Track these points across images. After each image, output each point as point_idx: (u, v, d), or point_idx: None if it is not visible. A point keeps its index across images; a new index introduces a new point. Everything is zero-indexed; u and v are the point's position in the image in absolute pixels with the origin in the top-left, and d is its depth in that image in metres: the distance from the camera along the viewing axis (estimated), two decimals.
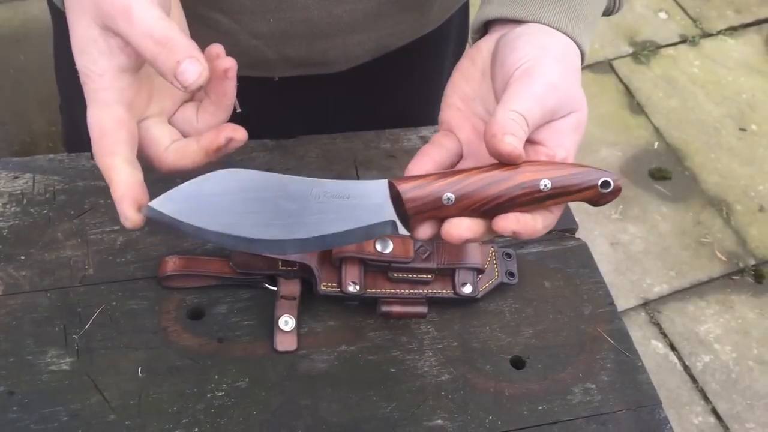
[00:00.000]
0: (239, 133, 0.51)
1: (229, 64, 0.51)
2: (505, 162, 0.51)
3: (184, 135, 0.54)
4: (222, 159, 0.52)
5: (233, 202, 0.50)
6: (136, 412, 0.62)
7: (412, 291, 0.69)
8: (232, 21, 0.71)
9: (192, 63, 0.47)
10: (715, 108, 2.39)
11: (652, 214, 2.13)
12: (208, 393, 0.64)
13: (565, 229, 0.79)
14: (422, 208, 0.51)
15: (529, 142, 0.54)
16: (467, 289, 0.70)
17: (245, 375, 0.65)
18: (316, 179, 0.52)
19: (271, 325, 0.67)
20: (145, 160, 0.52)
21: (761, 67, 2.52)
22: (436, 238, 0.52)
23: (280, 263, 0.68)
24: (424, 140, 0.82)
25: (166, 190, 0.50)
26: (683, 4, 2.68)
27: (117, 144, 0.50)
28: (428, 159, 0.55)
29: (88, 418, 0.61)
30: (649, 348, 1.88)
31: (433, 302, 0.70)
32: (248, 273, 0.68)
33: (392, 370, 0.67)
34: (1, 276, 0.67)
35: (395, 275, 0.68)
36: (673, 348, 1.89)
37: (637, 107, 2.37)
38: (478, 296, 0.71)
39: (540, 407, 0.67)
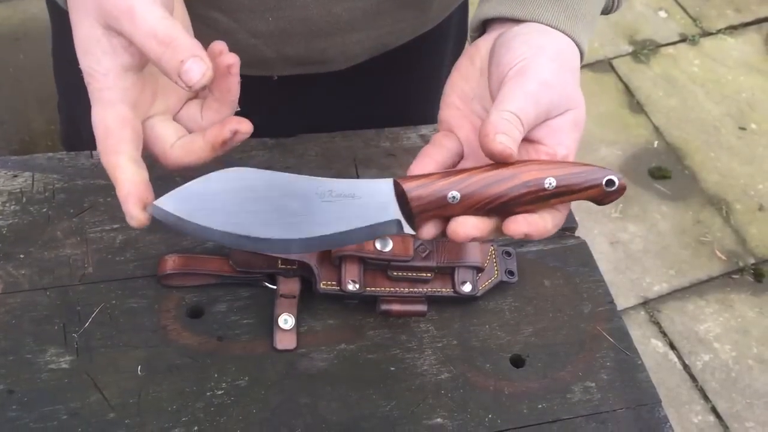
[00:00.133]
0: (244, 126, 0.51)
1: (232, 60, 0.51)
2: (498, 161, 0.51)
3: (189, 132, 0.54)
4: (225, 155, 0.52)
5: (238, 201, 0.50)
6: (136, 411, 0.62)
7: (411, 289, 0.69)
8: (231, 20, 0.71)
9: (196, 62, 0.47)
10: (715, 107, 2.39)
11: (652, 213, 2.13)
12: (208, 391, 0.64)
13: (565, 227, 0.79)
14: (427, 206, 0.51)
15: (528, 141, 0.54)
16: (467, 288, 0.70)
17: (245, 373, 0.65)
18: (320, 178, 0.52)
19: (270, 324, 0.67)
20: (151, 158, 0.52)
21: (761, 66, 2.52)
22: (442, 238, 0.52)
23: (279, 262, 0.68)
24: (424, 139, 0.82)
25: (164, 189, 0.50)
26: (683, 3, 2.68)
27: (121, 143, 0.50)
28: (430, 160, 0.55)
29: (88, 417, 0.61)
30: (649, 347, 1.88)
31: (432, 301, 0.70)
32: (248, 271, 0.68)
33: (392, 368, 0.67)
34: (1, 274, 0.67)
35: (395, 274, 0.68)
36: (672, 347, 1.89)
37: (636, 106, 2.37)
38: (478, 295, 0.70)
39: (540, 406, 0.67)
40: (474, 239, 0.51)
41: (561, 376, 0.69)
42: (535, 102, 0.52)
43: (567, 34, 0.57)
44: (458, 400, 0.66)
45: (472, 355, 0.69)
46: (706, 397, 1.81)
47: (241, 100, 0.53)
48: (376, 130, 0.82)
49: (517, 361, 0.70)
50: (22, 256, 0.68)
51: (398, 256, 0.67)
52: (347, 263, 0.67)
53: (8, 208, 0.71)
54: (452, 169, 0.56)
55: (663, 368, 1.85)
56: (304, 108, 0.85)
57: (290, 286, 0.68)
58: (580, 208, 2.08)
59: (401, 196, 0.51)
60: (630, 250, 2.05)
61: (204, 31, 0.56)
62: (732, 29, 2.62)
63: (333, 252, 0.67)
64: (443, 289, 0.70)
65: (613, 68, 2.45)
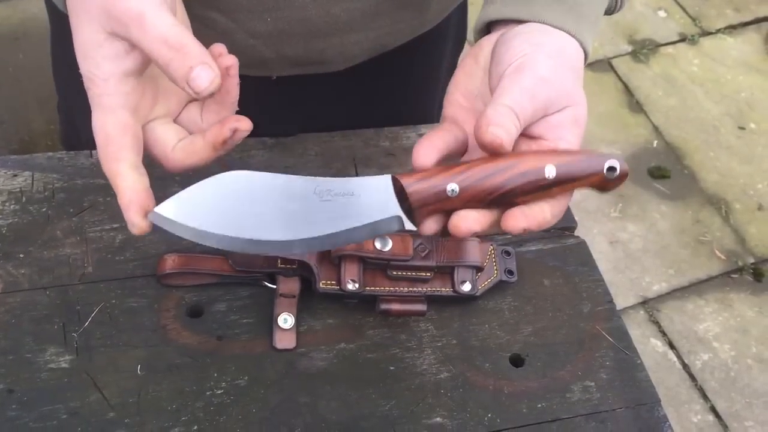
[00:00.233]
0: (243, 123, 0.51)
1: (231, 62, 0.51)
2: (491, 152, 0.51)
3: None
4: (225, 154, 0.52)
5: (237, 205, 0.50)
6: (136, 410, 0.62)
7: (411, 289, 0.69)
8: (230, 20, 0.71)
9: (204, 69, 0.47)
10: (714, 106, 2.39)
11: (651, 212, 2.13)
12: (208, 391, 0.64)
13: (564, 227, 0.79)
14: (426, 200, 0.51)
15: (530, 137, 0.54)
16: (466, 287, 0.70)
17: (244, 373, 0.65)
18: (319, 178, 0.52)
19: (270, 323, 0.67)
20: (153, 161, 0.52)
21: (760, 66, 2.52)
22: (443, 234, 0.51)
23: (279, 261, 0.68)
24: None
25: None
26: (682, 3, 2.68)
27: (122, 150, 0.50)
28: (436, 139, 0.54)
29: (88, 416, 0.61)
30: (648, 346, 1.88)
31: (432, 300, 0.70)
32: (247, 271, 0.68)
33: (391, 368, 0.67)
34: (1, 274, 0.67)
35: (394, 273, 0.68)
36: (672, 346, 1.89)
37: (636, 106, 2.37)
38: (477, 294, 0.71)
39: (539, 405, 0.67)
40: (476, 233, 0.51)
41: (560, 376, 0.69)
42: (531, 97, 0.52)
43: (571, 35, 0.57)
44: (458, 399, 0.66)
45: (471, 354, 0.69)
46: (705, 397, 1.81)
47: (240, 101, 0.53)
48: (375, 129, 0.82)
49: (517, 361, 0.70)
50: (21, 255, 0.68)
51: (398, 256, 0.67)
52: (347, 263, 0.67)
53: (8, 208, 0.71)
54: (454, 161, 0.55)
55: (662, 368, 1.85)
56: (302, 108, 0.85)
57: (290, 285, 0.68)
58: (579, 208, 2.08)
59: (400, 192, 0.51)
60: (629, 250, 2.05)
61: (202, 31, 0.56)
62: (731, 29, 2.62)
63: (332, 251, 0.67)
64: (443, 289, 0.70)
65: (612, 68, 2.45)
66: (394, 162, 0.80)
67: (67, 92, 0.94)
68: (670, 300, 1.97)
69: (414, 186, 0.51)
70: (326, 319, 0.69)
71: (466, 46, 0.99)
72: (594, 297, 0.75)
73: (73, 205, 0.72)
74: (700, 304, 1.97)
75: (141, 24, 0.47)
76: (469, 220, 0.51)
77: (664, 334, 1.91)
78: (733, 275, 2.03)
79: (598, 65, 2.43)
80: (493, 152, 0.51)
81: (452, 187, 0.50)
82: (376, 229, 0.52)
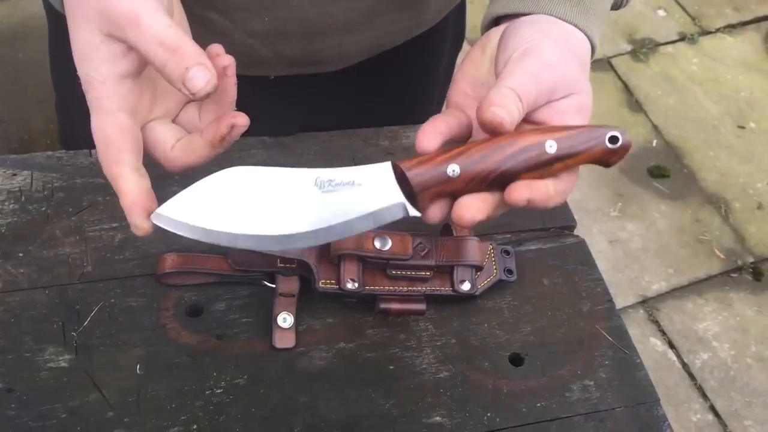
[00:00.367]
0: (240, 119, 0.51)
1: (228, 62, 0.51)
2: (490, 132, 0.51)
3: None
4: (224, 153, 0.52)
5: (238, 202, 0.50)
6: (135, 409, 0.62)
7: (410, 288, 0.69)
8: (227, 20, 0.71)
9: (200, 70, 0.47)
10: (714, 106, 2.39)
11: (651, 211, 2.13)
12: (207, 390, 0.64)
13: (564, 226, 0.79)
14: (427, 183, 0.50)
15: (533, 123, 0.54)
16: (466, 287, 0.70)
17: (244, 372, 0.65)
18: (317, 169, 0.51)
19: (269, 323, 0.67)
20: (153, 161, 0.52)
21: (760, 65, 2.52)
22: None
23: (278, 260, 0.68)
24: None
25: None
26: (682, 2, 2.68)
27: (122, 152, 0.50)
28: (440, 123, 0.54)
29: (87, 416, 0.61)
30: (648, 345, 1.88)
31: (431, 299, 0.70)
32: (247, 270, 0.68)
33: (391, 367, 0.67)
34: (0, 273, 0.67)
35: (394, 272, 0.68)
36: (671, 345, 1.89)
37: (635, 105, 2.37)
38: (477, 293, 0.71)
39: (538, 404, 0.67)
40: (480, 222, 0.51)
41: (560, 375, 0.69)
42: (535, 80, 0.52)
43: (579, 28, 0.57)
44: (457, 398, 0.66)
45: (470, 353, 0.69)
46: (704, 396, 1.81)
47: (238, 101, 0.53)
48: (375, 128, 0.82)
49: (516, 360, 0.70)
50: (21, 254, 0.68)
51: (397, 255, 0.67)
52: (346, 262, 0.67)
53: (7, 207, 0.71)
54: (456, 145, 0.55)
55: (662, 367, 1.85)
56: (301, 108, 0.85)
57: (289, 284, 0.68)
58: (579, 207, 2.08)
59: (401, 179, 0.51)
60: (629, 249, 2.05)
61: (200, 31, 0.56)
62: (731, 28, 2.62)
63: (332, 250, 0.67)
64: (442, 288, 0.70)
65: (612, 67, 2.45)
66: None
67: (65, 92, 0.94)
68: (670, 299, 1.97)
69: (414, 169, 0.50)
70: (326, 318, 0.69)
71: (465, 45, 0.99)
72: (593, 296, 0.75)
73: (72, 204, 0.72)
74: (699, 304, 1.97)
75: (136, 25, 0.47)
76: (472, 210, 0.50)
77: (663, 333, 1.91)
78: (733, 274, 2.03)
79: (597, 64, 2.43)
80: (494, 132, 0.51)
81: (453, 167, 0.50)
82: (379, 218, 0.51)
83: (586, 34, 0.57)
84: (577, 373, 0.69)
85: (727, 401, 1.80)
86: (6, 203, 0.71)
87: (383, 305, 0.68)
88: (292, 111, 0.85)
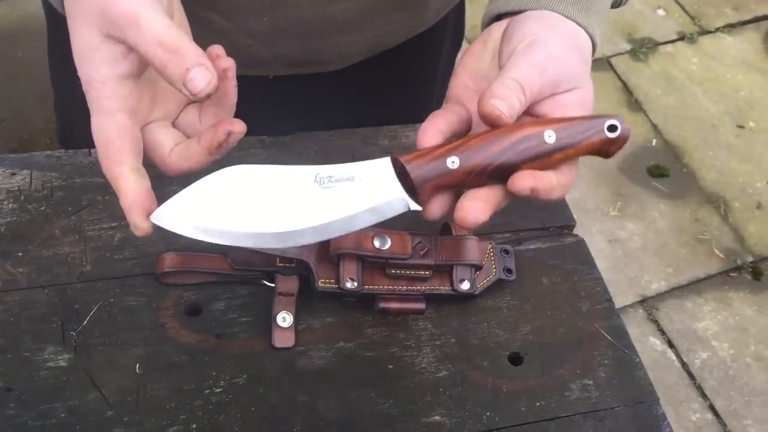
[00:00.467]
0: (237, 126, 0.51)
1: (228, 64, 0.51)
2: (489, 124, 0.51)
3: (189, 138, 0.54)
4: (223, 155, 0.52)
5: (238, 200, 0.50)
6: (134, 409, 0.62)
7: (409, 287, 0.69)
8: (227, 20, 0.71)
9: (200, 71, 0.47)
10: (713, 105, 2.39)
11: (650, 211, 2.13)
12: (206, 389, 0.64)
13: (563, 225, 0.79)
14: (427, 175, 0.50)
15: (535, 115, 0.54)
16: (465, 286, 0.70)
17: (243, 371, 0.65)
18: (318, 165, 0.51)
19: (268, 322, 0.67)
20: (151, 164, 0.52)
21: (759, 65, 2.52)
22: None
23: (278, 260, 0.68)
24: None
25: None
26: (682, 2, 2.68)
27: (122, 153, 0.50)
28: (440, 120, 0.54)
29: (86, 415, 0.61)
30: (647, 345, 1.88)
31: (430, 299, 0.70)
32: (246, 269, 0.68)
33: (390, 366, 0.67)
34: None
35: (393, 272, 0.68)
36: (670, 345, 1.89)
37: (635, 104, 2.37)
38: (476, 293, 0.71)
39: (538, 403, 0.67)
40: (485, 223, 0.50)
41: (559, 374, 0.69)
42: (540, 72, 0.52)
43: (580, 25, 0.57)
44: (456, 397, 0.66)
45: (470, 353, 0.69)
46: (704, 395, 1.81)
47: (238, 101, 0.53)
48: (374, 128, 0.82)
49: (515, 359, 0.70)
50: (20, 254, 0.68)
51: (396, 254, 0.67)
52: (345, 261, 0.67)
53: (6, 206, 0.71)
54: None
55: (661, 366, 1.85)
56: (300, 108, 0.85)
57: (288, 284, 0.68)
58: (578, 207, 2.08)
59: (401, 173, 0.51)
60: (628, 248, 2.05)
61: (199, 31, 0.56)
62: (730, 27, 2.62)
63: (331, 250, 0.67)
64: (441, 287, 0.70)
65: (611, 66, 2.45)
66: None
67: (65, 91, 0.94)
68: (669, 298, 1.97)
69: (413, 162, 0.50)
70: (325, 317, 0.69)
71: (464, 44, 0.99)
72: (593, 295, 0.75)
73: (71, 203, 0.72)
74: (698, 303, 1.97)
75: (136, 26, 0.47)
76: (476, 212, 0.50)
77: (662, 332, 1.91)
78: (732, 274, 2.03)
79: (597, 64, 2.43)
80: (493, 124, 0.51)
81: (452, 159, 0.50)
82: (380, 212, 0.51)
83: (587, 32, 0.57)
84: (576, 373, 0.69)
85: (727, 400, 1.80)
86: (5, 202, 0.71)
87: (382, 304, 0.68)
88: (291, 111, 0.85)
